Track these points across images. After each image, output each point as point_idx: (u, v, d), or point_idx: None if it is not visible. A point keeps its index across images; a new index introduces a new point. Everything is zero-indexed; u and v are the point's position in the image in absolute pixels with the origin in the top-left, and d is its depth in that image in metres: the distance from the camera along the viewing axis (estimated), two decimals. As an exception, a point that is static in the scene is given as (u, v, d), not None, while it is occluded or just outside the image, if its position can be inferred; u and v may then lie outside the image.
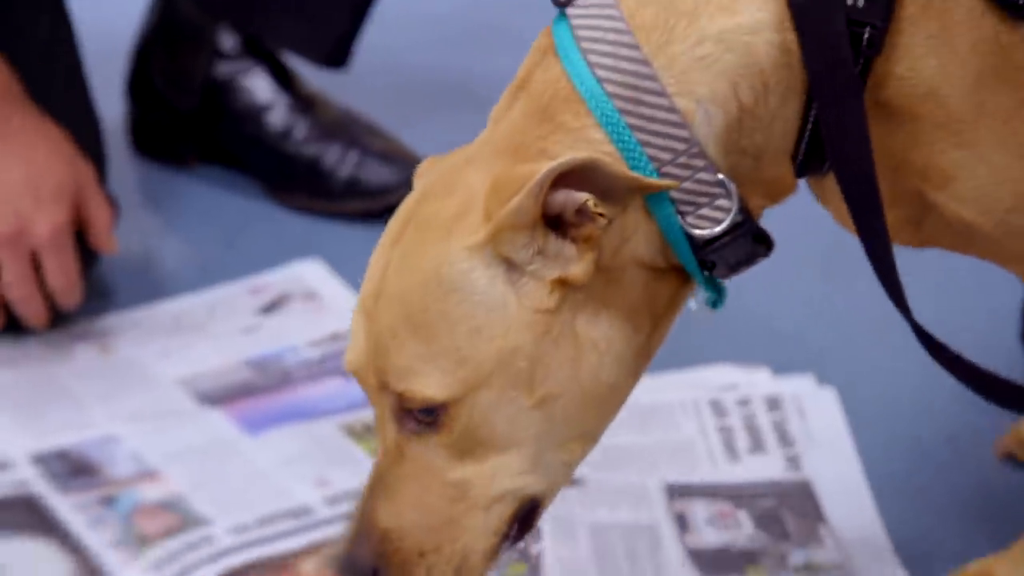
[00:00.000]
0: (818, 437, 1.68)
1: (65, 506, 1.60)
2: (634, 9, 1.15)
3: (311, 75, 2.15)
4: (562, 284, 1.13)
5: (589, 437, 1.22)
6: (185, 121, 2.15)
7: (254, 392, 1.79)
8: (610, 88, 1.14)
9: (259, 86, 2.11)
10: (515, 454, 1.18)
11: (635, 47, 1.14)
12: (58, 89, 1.89)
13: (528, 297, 1.14)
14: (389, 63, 2.18)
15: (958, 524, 1.60)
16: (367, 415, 1.68)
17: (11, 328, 1.83)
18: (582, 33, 1.15)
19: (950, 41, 1.14)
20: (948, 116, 1.16)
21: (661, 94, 1.13)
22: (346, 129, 2.10)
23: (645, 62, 1.13)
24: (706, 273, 1.19)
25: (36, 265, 1.77)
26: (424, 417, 1.15)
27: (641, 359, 1.21)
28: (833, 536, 1.57)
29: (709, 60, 1.14)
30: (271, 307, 1.93)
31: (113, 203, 1.87)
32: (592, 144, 1.13)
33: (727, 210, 1.15)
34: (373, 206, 2.05)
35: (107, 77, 2.13)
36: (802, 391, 1.73)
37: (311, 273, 1.98)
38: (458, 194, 1.15)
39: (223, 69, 2.11)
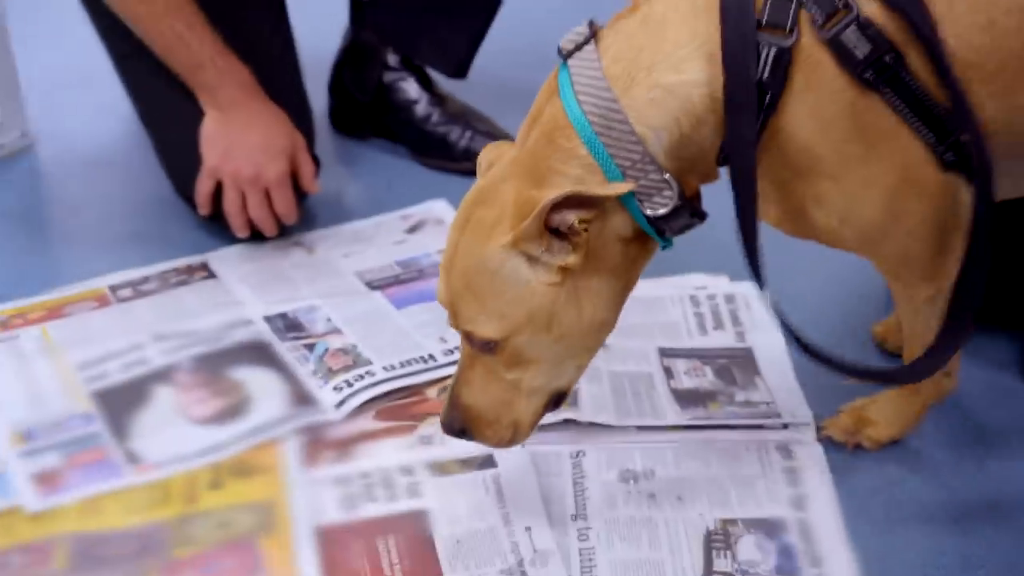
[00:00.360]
0: (757, 321, 1.68)
1: (283, 349, 1.63)
2: (608, 65, 1.14)
3: (443, 81, 2.14)
4: (564, 267, 1.15)
5: (592, 351, 1.25)
6: (364, 109, 2.15)
7: (401, 281, 1.79)
8: (591, 118, 1.13)
9: (410, 88, 2.10)
10: (544, 366, 1.22)
11: (608, 90, 1.13)
12: (285, 85, 1.88)
13: (542, 276, 1.16)
14: (489, 74, 2.16)
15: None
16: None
17: (253, 237, 1.84)
18: (575, 79, 1.15)
19: (822, 108, 1.12)
20: (820, 160, 1.14)
21: (624, 122, 1.12)
22: (464, 116, 2.09)
23: (614, 100, 1.12)
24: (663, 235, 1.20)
25: (269, 197, 1.79)
26: (484, 346, 1.20)
27: (623, 296, 1.23)
28: (764, 383, 1.56)
29: (659, 101, 1.13)
30: (414, 228, 1.93)
31: (317, 161, 1.88)
32: (579, 158, 1.14)
33: (671, 198, 1.15)
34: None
35: (318, 80, 2.13)
36: (748, 291, 1.71)
37: (439, 208, 1.97)
38: (496, 205, 1.16)
39: (389, 76, 2.11)
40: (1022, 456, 1.46)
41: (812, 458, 1.44)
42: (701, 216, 1.20)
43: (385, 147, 2.16)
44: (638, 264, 1.22)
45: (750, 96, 1.10)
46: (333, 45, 2.17)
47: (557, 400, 1.27)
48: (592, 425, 1.48)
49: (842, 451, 1.45)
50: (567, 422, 1.48)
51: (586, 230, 1.13)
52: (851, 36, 1.08)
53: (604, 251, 1.17)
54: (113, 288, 1.77)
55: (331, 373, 1.58)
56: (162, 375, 1.59)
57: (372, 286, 1.78)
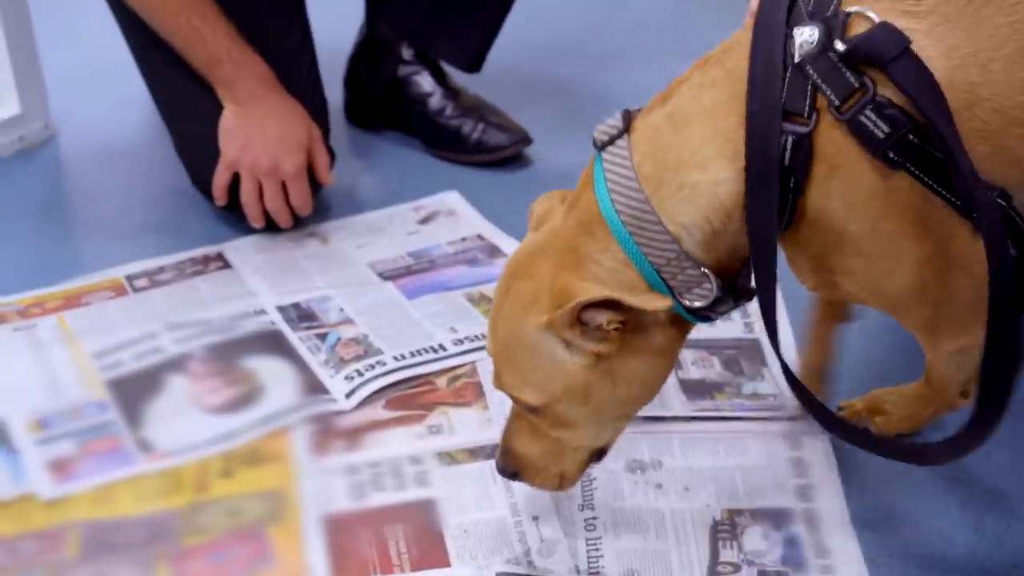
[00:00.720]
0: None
1: (296, 339, 1.62)
2: (639, 163, 1.11)
3: (456, 75, 2.13)
4: (599, 353, 1.13)
5: (631, 416, 1.24)
6: (379, 103, 2.13)
7: (413, 272, 1.78)
8: (624, 217, 1.10)
9: (425, 81, 2.08)
10: (584, 430, 1.21)
11: (640, 191, 1.10)
12: (301, 78, 1.87)
13: (577, 358, 1.14)
14: (503, 67, 2.14)
15: (862, 366, 1.54)
16: (482, 288, 1.71)
17: (268, 228, 1.84)
18: (608, 176, 1.12)
19: (849, 190, 1.07)
20: (849, 239, 1.10)
21: (656, 222, 1.10)
22: (477, 109, 2.07)
23: (646, 201, 1.10)
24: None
25: (285, 189, 1.78)
26: (528, 408, 1.19)
27: (662, 372, 1.20)
28: (771, 374, 1.54)
29: (688, 200, 1.10)
30: (426, 219, 1.92)
31: (332, 153, 1.87)
32: (613, 252, 1.11)
33: (710, 290, 1.12)
34: (491, 158, 2.04)
35: (333, 73, 2.11)
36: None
37: (451, 199, 1.96)
38: (534, 279, 1.14)
39: (403, 70, 2.09)
40: (1031, 448, 1.44)
41: (819, 449, 1.42)
42: (748, 295, 1.18)
43: (399, 140, 2.14)
44: (679, 342, 1.19)
45: (770, 185, 1.07)
46: (349, 39, 2.16)
47: (599, 454, 1.27)
48: None
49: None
50: None
51: (616, 329, 1.11)
52: (870, 117, 1.03)
53: (641, 337, 1.14)
54: (130, 278, 1.76)
55: (342, 363, 1.57)
56: (176, 364, 1.58)
57: (384, 276, 1.77)
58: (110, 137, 2.10)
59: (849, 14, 1.04)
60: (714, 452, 1.43)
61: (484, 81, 2.11)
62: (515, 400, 1.19)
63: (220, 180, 1.78)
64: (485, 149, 2.04)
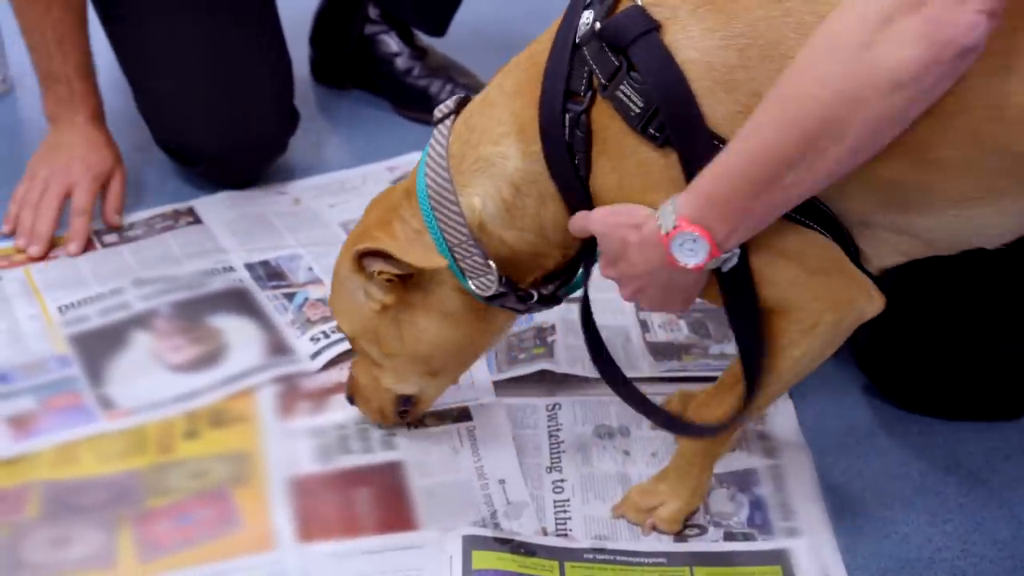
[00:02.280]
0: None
1: (263, 298, 1.56)
2: (452, 142, 1.14)
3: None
4: (383, 303, 1.19)
5: (438, 374, 1.26)
6: (345, 61, 2.05)
7: None
8: (430, 190, 1.14)
9: (392, 41, 2.00)
10: (387, 372, 1.26)
11: (446, 168, 1.13)
12: (266, 39, 1.78)
13: (370, 302, 1.20)
14: (470, 26, 2.06)
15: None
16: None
17: (241, 185, 1.78)
18: (428, 152, 1.15)
19: (620, 165, 1.06)
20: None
21: (454, 203, 1.13)
22: (445, 69, 2.00)
23: (448, 179, 1.13)
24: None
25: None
26: (346, 337, 1.27)
27: (461, 340, 1.22)
28: (738, 338, 1.49)
29: (481, 171, 1.12)
30: (399, 179, 1.80)
31: (295, 114, 1.82)
32: (418, 220, 1.15)
33: (492, 282, 1.15)
34: None
35: (298, 30, 2.03)
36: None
37: None
38: (362, 225, 1.20)
39: (369, 29, 2.00)
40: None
41: (783, 410, 1.38)
42: (545, 301, 1.20)
43: (365, 99, 2.06)
44: (480, 319, 1.21)
45: (563, 161, 1.09)
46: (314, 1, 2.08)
47: (408, 402, 1.30)
48: (567, 377, 1.42)
49: (813, 406, 1.39)
50: (543, 373, 1.42)
51: (389, 280, 1.17)
52: (625, 92, 1.03)
53: (422, 295, 1.19)
54: (98, 233, 1.70)
55: (309, 323, 1.51)
56: (141, 320, 1.53)
57: (355, 236, 1.69)
58: None
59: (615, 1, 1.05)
60: (681, 417, 1.37)
61: (452, 41, 2.04)
62: (337, 325, 1.27)
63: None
64: None
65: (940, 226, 1.06)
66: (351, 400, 1.31)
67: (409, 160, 1.88)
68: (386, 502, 1.26)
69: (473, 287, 1.15)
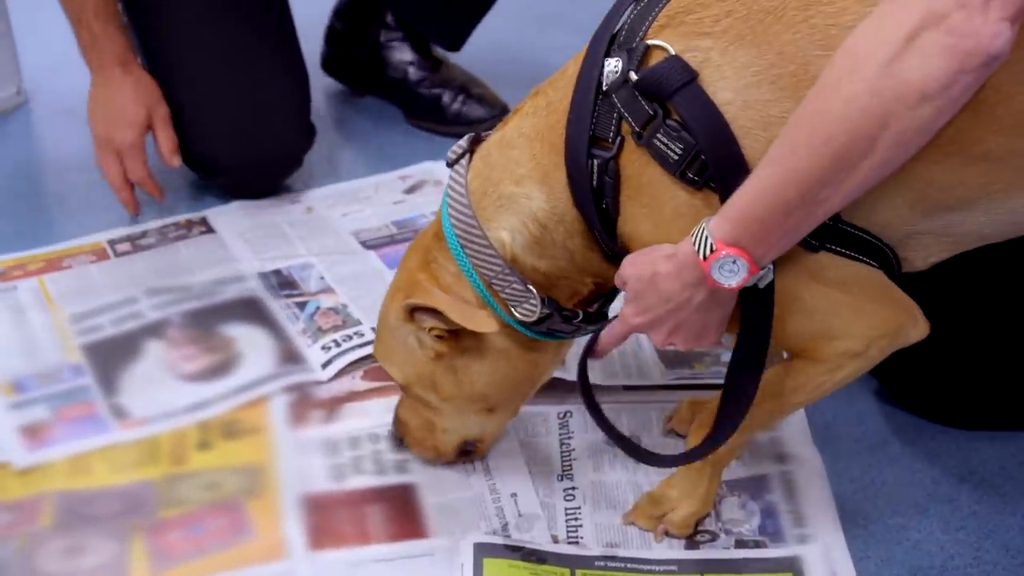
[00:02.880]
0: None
1: (275, 306, 1.56)
2: (470, 180, 1.15)
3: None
4: (437, 351, 1.19)
5: (497, 410, 1.26)
6: (359, 64, 2.04)
7: (396, 241, 1.70)
8: (457, 231, 1.14)
9: (406, 49, 1.99)
10: (445, 416, 1.25)
11: (468, 206, 1.14)
12: (285, 55, 1.78)
13: (425, 350, 1.19)
14: (485, 38, 2.01)
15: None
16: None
17: (253, 195, 1.78)
18: (449, 192, 1.16)
19: (656, 211, 1.06)
20: None
21: (482, 237, 1.13)
22: (457, 80, 1.99)
23: (472, 216, 1.13)
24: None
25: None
26: (396, 383, 1.26)
27: (517, 376, 1.22)
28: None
29: (504, 208, 1.13)
30: (412, 189, 1.84)
31: (312, 129, 1.81)
32: (447, 268, 1.16)
33: (536, 306, 1.14)
34: (471, 130, 1.95)
35: (314, 29, 2.03)
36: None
37: (438, 169, 1.87)
38: (403, 271, 1.20)
39: (386, 36, 2.00)
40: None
41: (795, 417, 1.37)
42: (589, 319, 1.19)
43: (377, 108, 2.06)
44: (532, 351, 1.21)
45: (590, 206, 1.09)
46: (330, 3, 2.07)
47: (473, 445, 1.30)
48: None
49: (825, 413, 1.38)
50: (554, 380, 1.38)
51: (440, 337, 1.17)
52: (662, 140, 1.03)
53: (476, 344, 1.18)
54: (112, 242, 1.71)
55: (320, 332, 1.51)
56: (154, 330, 1.52)
57: (367, 245, 1.70)
58: (83, 104, 2.01)
59: (648, 46, 1.05)
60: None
61: (466, 51, 2.02)
62: (386, 368, 1.25)
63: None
64: (464, 121, 1.96)
65: (988, 220, 1.06)
66: (400, 441, 1.30)
67: (422, 169, 1.87)
68: (398, 515, 1.25)
69: (519, 315, 1.15)
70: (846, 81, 0.91)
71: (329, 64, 2.08)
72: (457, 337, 1.16)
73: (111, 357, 1.46)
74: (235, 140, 1.72)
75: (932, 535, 1.24)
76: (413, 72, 1.98)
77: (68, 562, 1.20)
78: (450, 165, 1.17)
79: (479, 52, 2.04)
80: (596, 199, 1.08)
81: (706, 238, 0.99)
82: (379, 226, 1.74)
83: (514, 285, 1.13)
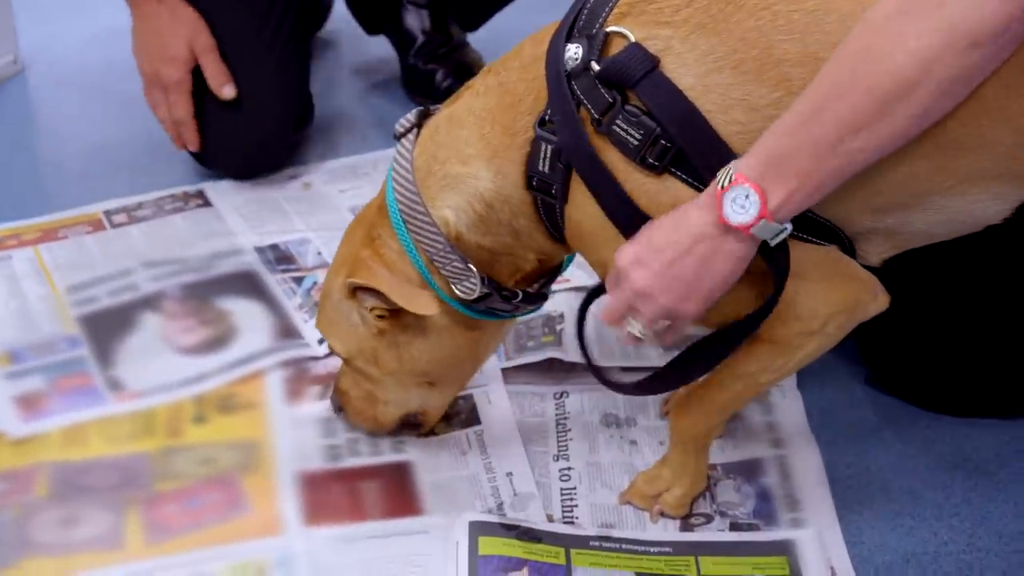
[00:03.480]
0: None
1: (271, 281, 1.55)
2: (417, 156, 1.14)
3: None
4: (379, 328, 1.19)
5: (438, 386, 1.26)
6: (379, 11, 2.01)
7: None
8: (401, 206, 1.13)
9: (422, 18, 1.96)
10: (387, 390, 1.26)
11: (412, 183, 1.13)
12: (278, 43, 1.73)
13: (367, 326, 1.19)
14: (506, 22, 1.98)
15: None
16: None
17: (249, 174, 1.76)
18: (394, 167, 1.15)
19: (608, 192, 1.06)
20: (612, 236, 1.06)
21: (425, 213, 1.13)
22: (458, 61, 1.95)
23: (416, 193, 1.13)
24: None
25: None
26: (338, 355, 1.25)
27: (459, 352, 1.22)
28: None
29: (450, 186, 1.12)
30: None
31: (306, 116, 1.80)
32: (390, 244, 1.16)
33: (475, 285, 1.14)
34: None
35: None
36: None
37: None
38: (348, 244, 1.20)
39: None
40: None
41: (791, 402, 1.37)
42: (530, 299, 1.20)
43: (375, 84, 2.04)
44: (473, 329, 1.21)
45: (544, 192, 1.10)
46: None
47: (415, 418, 1.30)
48: (575, 366, 1.41)
49: (820, 399, 1.38)
50: (551, 361, 1.41)
51: (381, 316, 1.18)
52: (621, 126, 1.02)
53: (417, 321, 1.18)
54: (108, 213, 1.70)
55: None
56: (150, 302, 1.52)
57: (365, 221, 1.67)
58: (81, 74, 2.05)
59: (608, 33, 1.04)
60: (689, 408, 1.36)
61: (483, 34, 2.00)
62: (329, 345, 1.25)
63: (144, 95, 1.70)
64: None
65: (938, 219, 1.05)
66: (340, 411, 1.30)
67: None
68: (393, 493, 1.26)
69: (459, 292, 1.14)
70: (892, 22, 0.89)
71: (354, 5, 2.04)
72: (399, 315, 1.16)
73: (107, 329, 1.46)
74: (215, 122, 1.70)
75: (925, 521, 1.24)
76: (420, 41, 1.95)
77: (63, 532, 1.20)
78: (397, 138, 1.16)
79: (498, 37, 1.98)
80: (543, 185, 1.08)
81: (729, 172, 0.97)
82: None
83: (455, 263, 1.13)
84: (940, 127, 0.95)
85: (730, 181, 0.96)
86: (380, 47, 2.06)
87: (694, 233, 0.99)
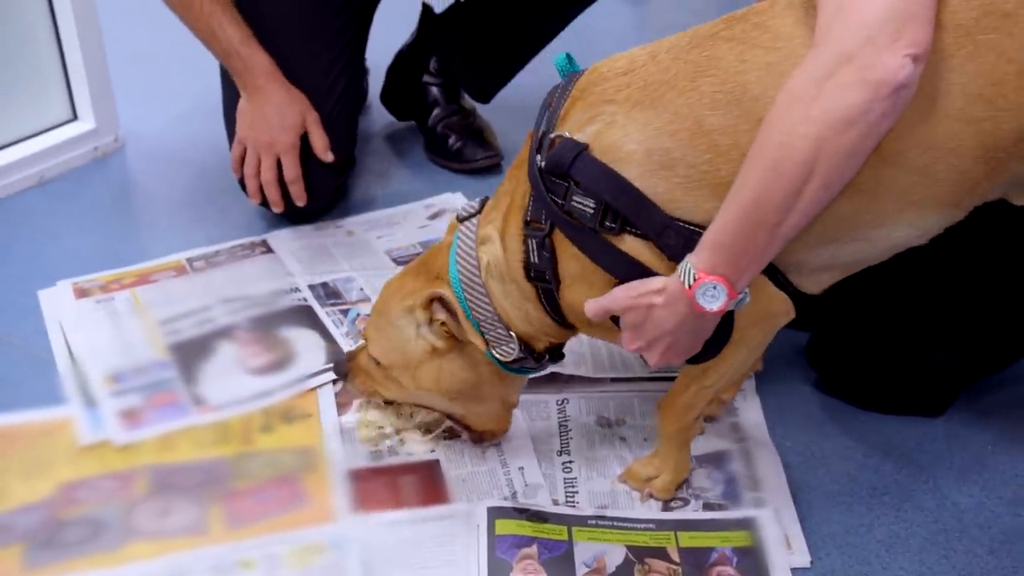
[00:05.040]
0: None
1: (323, 313, 1.55)
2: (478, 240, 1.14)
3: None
4: (435, 346, 1.17)
5: (457, 410, 1.25)
6: (405, 100, 2.03)
7: None
8: (462, 279, 1.14)
9: (438, 93, 1.97)
10: (402, 394, 1.25)
11: (476, 259, 1.13)
12: (329, 108, 1.71)
13: (423, 342, 1.18)
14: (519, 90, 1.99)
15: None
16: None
17: (300, 220, 1.75)
18: (459, 245, 1.15)
19: (588, 278, 1.07)
20: (599, 280, 1.07)
21: (482, 287, 1.13)
22: (470, 128, 1.95)
23: (478, 269, 1.13)
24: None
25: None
26: (374, 359, 1.23)
27: (483, 391, 1.22)
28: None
29: (484, 240, 1.14)
30: (435, 215, 1.82)
31: (352, 161, 1.79)
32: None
33: (514, 349, 1.15)
34: (464, 167, 1.93)
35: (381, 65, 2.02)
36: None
37: (456, 199, 1.86)
38: (413, 278, 1.19)
39: (428, 79, 1.98)
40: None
41: (751, 403, 1.37)
42: (555, 358, 1.22)
43: (402, 149, 2.04)
44: (501, 380, 1.21)
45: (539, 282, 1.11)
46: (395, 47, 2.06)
47: (455, 423, 1.28)
48: (573, 377, 1.41)
49: (776, 401, 1.38)
50: (553, 375, 1.41)
51: (447, 332, 1.15)
52: (578, 201, 1.03)
53: (464, 353, 1.18)
54: (190, 260, 1.70)
55: (361, 336, 1.48)
56: (225, 332, 1.52)
57: (399, 262, 1.69)
58: (170, 148, 2.04)
59: (552, 138, 1.05)
60: (667, 410, 1.37)
61: (498, 102, 2.00)
62: (369, 349, 1.23)
63: (234, 154, 1.70)
64: (461, 159, 1.93)
65: (867, 247, 1.05)
66: (344, 376, 1.28)
67: (442, 199, 1.85)
68: (426, 485, 1.25)
69: (498, 355, 1.15)
70: (785, 116, 0.92)
71: (384, 95, 2.05)
72: (453, 341, 1.16)
73: (191, 354, 1.46)
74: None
75: (861, 499, 1.24)
76: (436, 113, 1.96)
77: (159, 521, 1.21)
78: (460, 221, 1.16)
79: (510, 105, 2.00)
80: (539, 273, 1.09)
81: (689, 269, 0.98)
82: (407, 245, 1.72)
83: (498, 330, 1.14)
84: (854, 178, 0.96)
85: (694, 280, 0.98)
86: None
87: (679, 319, 1.02)
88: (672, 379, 1.38)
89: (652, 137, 1.00)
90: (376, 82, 2.06)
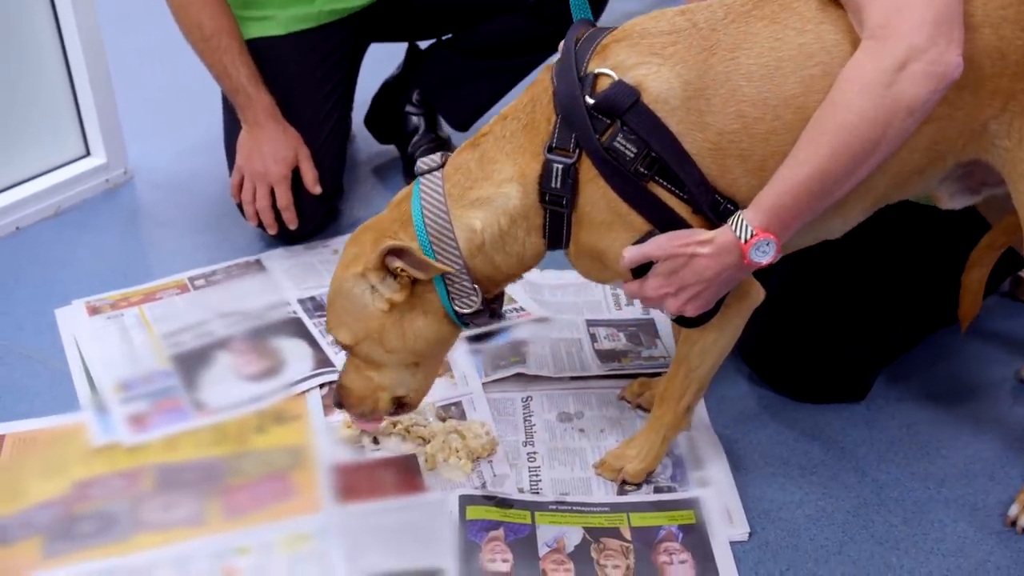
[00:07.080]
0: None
1: (311, 324, 1.54)
2: (448, 188, 1.07)
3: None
4: (392, 301, 1.08)
5: (421, 368, 1.16)
6: (387, 125, 2.02)
7: None
8: (429, 229, 1.07)
9: (418, 122, 1.97)
10: (385, 371, 1.15)
11: (444, 208, 1.07)
12: (320, 141, 1.72)
13: (378, 303, 1.09)
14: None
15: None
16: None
17: (291, 240, 1.74)
18: (423, 194, 1.08)
19: (607, 193, 1.04)
20: (616, 219, 1.05)
21: (452, 237, 1.06)
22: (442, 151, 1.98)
23: (447, 216, 1.06)
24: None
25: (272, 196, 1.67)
26: (344, 347, 1.14)
27: (440, 342, 1.14)
28: (663, 343, 1.48)
29: (479, 205, 1.07)
30: None
31: (341, 188, 1.78)
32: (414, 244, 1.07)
33: (476, 301, 1.09)
34: None
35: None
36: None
37: None
38: (358, 245, 1.10)
39: (409, 108, 1.98)
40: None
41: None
42: (498, 316, 1.16)
43: (383, 173, 2.04)
44: (451, 334, 1.15)
45: (558, 208, 1.06)
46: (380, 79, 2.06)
47: (401, 403, 1.19)
48: (537, 377, 1.42)
49: (716, 393, 1.39)
50: (519, 375, 1.41)
51: (410, 279, 1.07)
52: (621, 143, 1.00)
53: (422, 303, 1.10)
54: (191, 279, 1.69)
55: (326, 313, 1.46)
56: (222, 343, 1.51)
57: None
58: (175, 179, 2.03)
59: (596, 74, 1.02)
60: (620, 405, 1.38)
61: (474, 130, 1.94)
62: (335, 340, 1.14)
63: (233, 180, 1.70)
64: None
65: (822, 234, 1.09)
66: (339, 406, 1.20)
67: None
68: (403, 478, 1.24)
69: (457, 307, 1.09)
70: (856, 100, 0.94)
71: (368, 120, 2.05)
72: (411, 288, 1.08)
73: (192, 364, 1.46)
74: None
75: (793, 479, 1.25)
76: (415, 140, 1.96)
77: (164, 514, 1.20)
78: (420, 175, 1.10)
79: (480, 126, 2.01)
80: (555, 198, 1.05)
81: (746, 226, 0.99)
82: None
83: (464, 283, 1.08)
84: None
85: (751, 235, 0.99)
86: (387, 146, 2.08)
87: (722, 270, 1.02)
88: (623, 377, 1.42)
89: (691, 96, 1.00)
90: (361, 109, 2.06)
